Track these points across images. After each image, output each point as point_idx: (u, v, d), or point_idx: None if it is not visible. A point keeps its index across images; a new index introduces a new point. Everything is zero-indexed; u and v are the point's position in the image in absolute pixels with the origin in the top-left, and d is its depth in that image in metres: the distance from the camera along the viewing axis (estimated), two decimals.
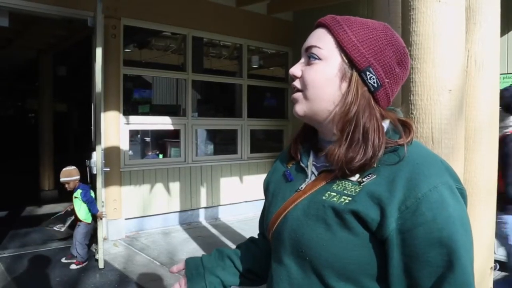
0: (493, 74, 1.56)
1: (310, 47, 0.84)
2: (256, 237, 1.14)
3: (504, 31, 4.13)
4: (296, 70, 0.86)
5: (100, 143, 3.78)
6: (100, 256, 3.85)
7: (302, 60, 0.87)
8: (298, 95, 0.86)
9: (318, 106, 0.84)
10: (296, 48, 6.30)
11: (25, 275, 3.68)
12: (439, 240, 0.72)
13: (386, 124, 0.84)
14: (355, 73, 0.81)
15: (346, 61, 0.82)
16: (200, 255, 1.11)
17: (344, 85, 0.82)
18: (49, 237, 4.73)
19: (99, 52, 3.74)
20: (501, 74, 2.41)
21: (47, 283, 3.52)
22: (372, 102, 0.82)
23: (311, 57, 0.84)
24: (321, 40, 0.84)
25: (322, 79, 0.82)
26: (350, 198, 0.78)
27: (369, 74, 0.81)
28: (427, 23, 1.25)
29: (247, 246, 1.11)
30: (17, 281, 3.52)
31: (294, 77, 0.86)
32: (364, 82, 0.82)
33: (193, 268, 1.06)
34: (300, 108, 0.86)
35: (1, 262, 3.94)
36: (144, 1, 4.94)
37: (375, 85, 0.82)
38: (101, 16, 3.79)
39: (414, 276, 0.74)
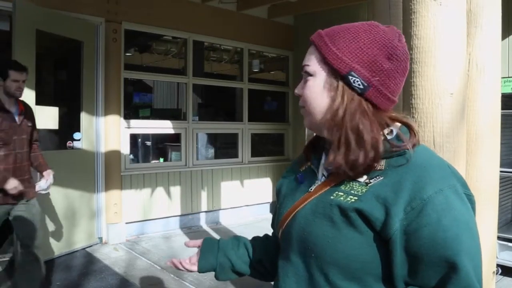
0: (494, 77, 1.56)
1: (303, 66, 0.91)
2: (270, 234, 1.19)
3: (505, 34, 4.13)
4: (298, 89, 0.94)
5: None
6: None
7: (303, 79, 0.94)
8: (302, 110, 0.94)
9: (315, 118, 0.89)
10: (297, 52, 6.32)
11: None
12: (443, 241, 0.73)
13: (396, 127, 0.86)
14: (340, 81, 0.85)
15: (331, 72, 0.86)
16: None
17: (333, 94, 0.86)
18: None
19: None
20: (502, 77, 2.40)
21: (47, 287, 3.50)
22: (365, 104, 0.84)
23: (304, 76, 0.91)
24: (309, 58, 0.90)
25: (314, 93, 0.88)
26: (356, 198, 0.81)
27: (352, 78, 0.83)
28: (428, 26, 1.25)
29: (262, 239, 1.17)
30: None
31: (299, 96, 0.93)
32: (350, 87, 0.84)
33: (208, 246, 1.15)
34: (306, 122, 0.94)
35: (1, 266, 3.93)
36: (145, 5, 4.95)
37: (361, 86, 0.83)
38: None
39: (418, 276, 0.75)
